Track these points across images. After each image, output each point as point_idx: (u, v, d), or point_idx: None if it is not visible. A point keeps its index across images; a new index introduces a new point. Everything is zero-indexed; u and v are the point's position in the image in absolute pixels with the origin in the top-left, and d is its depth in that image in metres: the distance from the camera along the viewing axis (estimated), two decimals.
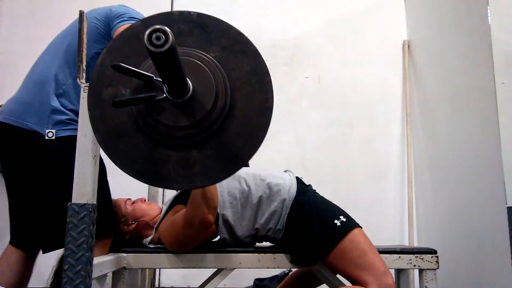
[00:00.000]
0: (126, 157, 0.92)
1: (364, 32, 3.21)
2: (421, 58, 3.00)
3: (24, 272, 1.61)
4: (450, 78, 2.53)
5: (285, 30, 3.22)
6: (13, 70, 2.87)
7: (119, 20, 1.58)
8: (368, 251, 1.45)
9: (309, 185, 1.69)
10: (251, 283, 2.70)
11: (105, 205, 1.53)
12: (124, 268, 1.51)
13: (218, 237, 1.59)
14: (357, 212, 1.69)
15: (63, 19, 1.72)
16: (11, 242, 1.62)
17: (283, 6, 3.26)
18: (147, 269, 2.06)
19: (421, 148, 2.92)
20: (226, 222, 1.55)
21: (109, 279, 1.35)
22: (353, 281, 1.44)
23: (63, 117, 1.53)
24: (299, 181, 1.66)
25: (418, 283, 1.68)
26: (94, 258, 1.12)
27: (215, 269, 1.62)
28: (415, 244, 2.84)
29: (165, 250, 1.55)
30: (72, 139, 1.13)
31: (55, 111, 1.52)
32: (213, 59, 0.92)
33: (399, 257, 1.58)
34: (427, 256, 1.58)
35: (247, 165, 2.07)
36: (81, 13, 1.17)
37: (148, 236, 1.67)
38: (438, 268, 1.58)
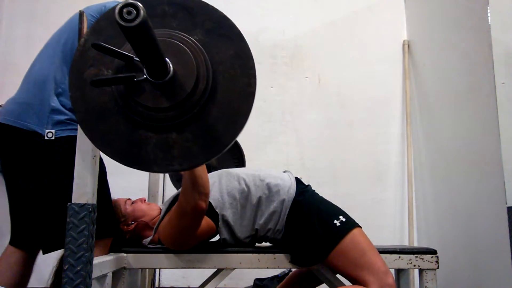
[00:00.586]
0: (106, 137, 0.92)
1: (364, 32, 3.21)
2: (421, 58, 3.00)
3: (24, 272, 1.61)
4: (450, 78, 2.53)
5: (285, 30, 3.22)
6: (13, 70, 2.87)
7: None
8: (368, 251, 1.45)
9: (308, 185, 1.69)
10: (251, 283, 2.70)
11: (105, 205, 1.53)
12: (124, 268, 1.51)
13: (218, 237, 1.59)
14: (357, 212, 1.69)
15: (63, 19, 1.71)
16: (11, 242, 1.62)
17: (283, 6, 3.26)
18: (147, 269, 2.06)
19: (421, 148, 2.92)
20: (226, 222, 1.55)
21: (109, 279, 1.35)
22: (353, 281, 1.44)
23: (63, 117, 1.53)
24: (298, 181, 1.66)
25: (418, 283, 1.68)
26: (94, 258, 1.12)
27: (215, 269, 1.61)
28: (415, 244, 2.84)
29: (165, 250, 1.55)
30: (72, 140, 1.13)
31: (55, 111, 1.52)
32: (196, 42, 0.92)
33: (399, 257, 1.58)
34: (427, 256, 1.58)
35: (243, 165, 2.07)
36: (81, 13, 1.17)
37: (148, 236, 1.67)
38: (438, 268, 1.58)
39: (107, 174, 1.57)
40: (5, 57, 3.07)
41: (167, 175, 2.82)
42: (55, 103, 1.53)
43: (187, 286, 2.87)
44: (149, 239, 1.64)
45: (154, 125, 0.90)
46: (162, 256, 1.54)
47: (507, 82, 1.88)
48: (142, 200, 1.75)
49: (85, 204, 1.07)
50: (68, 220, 1.07)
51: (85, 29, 1.16)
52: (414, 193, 2.95)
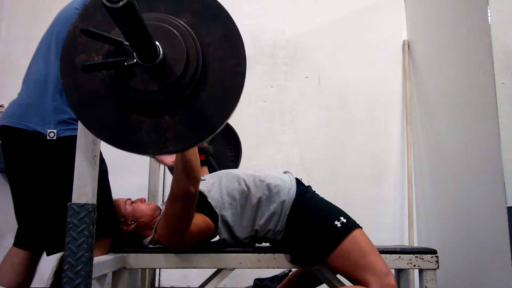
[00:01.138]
0: (100, 123, 0.93)
1: (364, 32, 3.21)
2: (421, 58, 3.00)
3: (27, 273, 1.61)
4: (450, 78, 2.53)
5: (285, 30, 3.22)
6: (13, 70, 2.87)
7: None
8: (369, 251, 1.45)
9: (309, 186, 1.69)
10: (251, 283, 2.70)
11: (105, 205, 1.53)
12: (124, 268, 1.51)
13: (218, 237, 1.59)
14: (357, 212, 1.69)
15: None
16: (15, 244, 1.62)
17: (283, 6, 3.26)
18: (147, 269, 2.06)
19: (421, 148, 2.92)
20: (225, 223, 1.55)
21: (109, 279, 1.35)
22: (354, 281, 1.44)
23: (65, 116, 1.52)
24: (298, 182, 1.66)
25: (418, 283, 1.68)
26: (94, 258, 1.12)
27: (215, 269, 1.61)
28: (415, 244, 2.84)
29: (165, 250, 1.55)
30: (74, 139, 1.13)
31: (57, 110, 1.52)
32: (185, 24, 0.92)
33: (399, 257, 1.58)
34: (427, 256, 1.58)
35: (239, 152, 2.08)
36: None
37: (148, 236, 1.67)
38: (438, 268, 1.58)
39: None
40: (5, 57, 3.08)
41: (167, 174, 2.82)
42: (56, 101, 1.53)
43: (187, 286, 2.87)
44: (149, 238, 1.64)
45: (147, 109, 0.91)
46: (162, 256, 1.54)
47: (507, 82, 1.88)
48: (142, 200, 1.75)
49: (85, 204, 1.07)
50: (68, 220, 1.07)
51: None
52: (414, 193, 2.95)
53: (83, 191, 1.08)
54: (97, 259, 1.22)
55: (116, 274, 1.48)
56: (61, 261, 1.52)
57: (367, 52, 3.18)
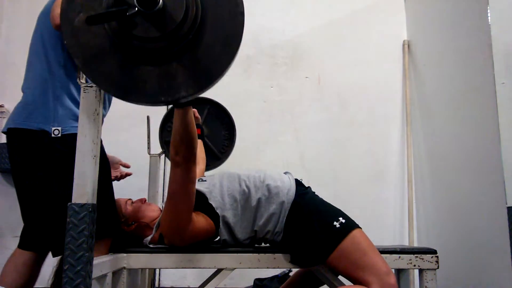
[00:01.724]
0: (109, 78, 0.94)
1: (364, 32, 3.21)
2: (421, 58, 3.00)
3: (30, 274, 1.61)
4: (450, 78, 2.53)
5: (285, 30, 3.22)
6: (13, 70, 2.87)
7: None
8: (369, 251, 1.45)
9: (308, 187, 1.69)
10: (251, 283, 2.70)
11: (107, 205, 1.53)
12: (124, 268, 1.51)
13: (219, 237, 1.59)
14: (357, 212, 1.69)
15: None
16: (19, 245, 1.62)
17: (283, 6, 3.26)
18: (147, 269, 2.06)
19: (421, 148, 2.92)
20: (226, 224, 1.55)
21: (109, 279, 1.35)
22: (355, 281, 1.44)
23: (69, 113, 1.52)
24: (298, 183, 1.66)
25: (418, 283, 1.68)
26: (94, 258, 1.12)
27: (215, 269, 1.61)
28: (415, 244, 2.84)
29: (165, 250, 1.55)
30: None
31: (61, 107, 1.52)
32: None
33: (399, 257, 1.58)
34: (427, 256, 1.58)
35: (233, 132, 2.09)
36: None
37: (148, 236, 1.67)
38: (438, 268, 1.58)
39: None
40: (5, 57, 3.08)
41: (167, 175, 2.81)
42: (59, 99, 1.53)
43: (187, 286, 2.87)
44: (149, 238, 1.64)
45: (153, 57, 0.92)
46: (162, 256, 1.54)
47: (507, 82, 1.88)
48: (143, 201, 1.75)
49: (85, 204, 1.07)
50: (68, 220, 1.07)
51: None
52: (414, 193, 2.95)
53: (83, 191, 1.08)
54: (97, 259, 1.22)
55: (116, 274, 1.48)
56: (61, 261, 1.52)
57: (367, 52, 3.18)
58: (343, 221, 1.50)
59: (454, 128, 2.47)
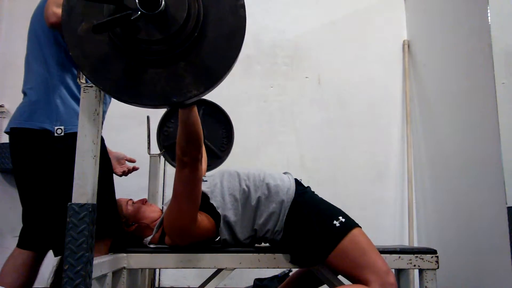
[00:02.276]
0: (119, 85, 0.94)
1: (364, 32, 3.21)
2: (421, 58, 3.00)
3: (30, 274, 1.61)
4: (450, 78, 2.53)
5: (285, 30, 3.22)
6: (13, 70, 2.87)
7: None
8: (369, 250, 1.45)
9: (308, 186, 1.69)
10: (251, 283, 2.70)
11: (108, 205, 1.53)
12: (124, 268, 1.51)
13: (219, 237, 1.59)
14: (357, 212, 1.69)
15: None
16: (18, 245, 1.62)
17: (283, 6, 3.26)
18: (147, 269, 2.06)
19: (421, 148, 2.92)
20: (227, 223, 1.55)
21: (109, 279, 1.35)
22: (354, 280, 1.44)
23: (71, 111, 1.52)
24: (298, 183, 1.66)
25: (418, 283, 1.68)
26: (94, 258, 1.12)
27: (215, 269, 1.61)
28: (415, 244, 2.84)
29: (165, 250, 1.55)
30: None
31: (63, 106, 1.52)
32: None
33: (399, 257, 1.58)
34: (427, 256, 1.58)
35: (231, 130, 2.10)
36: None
37: (149, 237, 1.67)
38: (438, 268, 1.58)
39: None
40: (5, 57, 3.08)
41: (167, 175, 2.81)
42: (62, 98, 1.53)
43: (187, 286, 2.87)
44: (149, 238, 1.64)
45: (160, 59, 0.93)
46: (162, 256, 1.54)
47: (507, 82, 1.88)
48: (144, 201, 1.75)
49: (85, 204, 1.07)
50: (68, 220, 1.07)
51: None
52: (414, 193, 2.95)
53: (83, 191, 1.08)
54: (97, 259, 1.22)
55: (116, 274, 1.48)
56: (61, 261, 1.52)
57: (367, 52, 3.18)
58: (343, 220, 1.50)
59: (454, 128, 2.47)
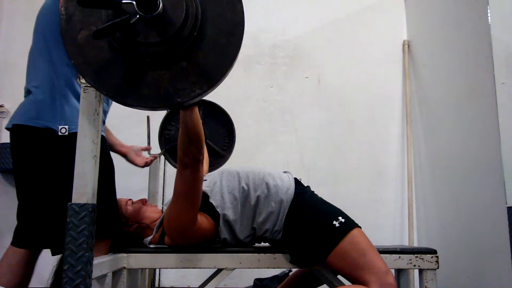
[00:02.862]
0: (123, 89, 0.95)
1: (364, 32, 3.21)
2: (421, 58, 3.00)
3: (25, 273, 1.60)
4: (450, 78, 2.53)
5: (285, 30, 3.22)
6: (13, 70, 2.87)
7: None
8: (368, 250, 1.45)
9: (308, 186, 1.69)
10: (251, 283, 2.70)
11: (109, 205, 1.52)
12: (124, 268, 1.51)
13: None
14: (357, 212, 1.69)
15: None
16: (12, 243, 1.62)
17: (283, 6, 3.26)
18: (147, 269, 2.06)
19: (421, 148, 2.92)
20: (227, 222, 1.55)
21: (109, 279, 1.35)
22: (354, 281, 1.44)
23: (74, 111, 1.52)
24: (297, 182, 1.66)
25: (418, 283, 1.68)
26: (94, 258, 1.12)
27: (215, 269, 1.61)
28: (415, 244, 2.84)
29: (165, 250, 1.55)
30: None
31: (67, 105, 1.52)
32: None
33: (399, 257, 1.58)
34: (427, 256, 1.58)
35: (232, 128, 2.12)
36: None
37: (148, 237, 1.67)
38: (438, 268, 1.58)
39: None
40: (5, 57, 3.08)
41: (167, 175, 2.82)
42: (66, 97, 1.53)
43: (187, 286, 2.87)
44: (149, 238, 1.64)
45: (161, 61, 0.93)
46: (162, 256, 1.54)
47: (507, 82, 1.88)
48: (144, 202, 1.75)
49: (85, 204, 1.07)
50: (68, 220, 1.07)
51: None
52: (414, 193, 2.95)
53: (83, 191, 1.08)
54: (97, 259, 1.22)
55: (116, 274, 1.48)
56: (61, 261, 1.52)
57: (367, 52, 3.17)
58: (343, 220, 1.50)
59: (454, 128, 2.47)
